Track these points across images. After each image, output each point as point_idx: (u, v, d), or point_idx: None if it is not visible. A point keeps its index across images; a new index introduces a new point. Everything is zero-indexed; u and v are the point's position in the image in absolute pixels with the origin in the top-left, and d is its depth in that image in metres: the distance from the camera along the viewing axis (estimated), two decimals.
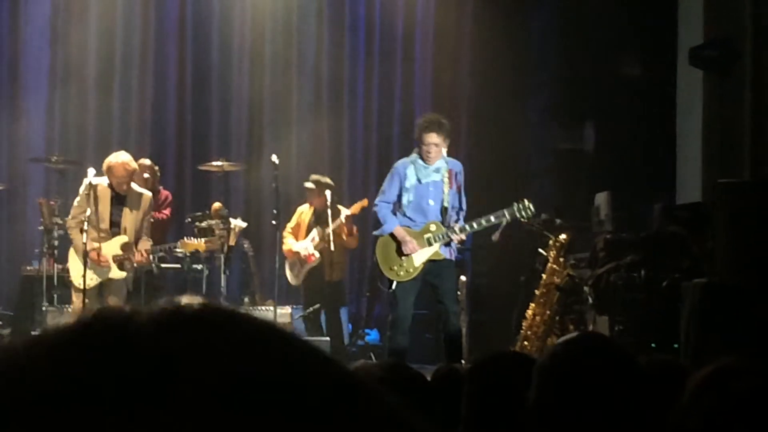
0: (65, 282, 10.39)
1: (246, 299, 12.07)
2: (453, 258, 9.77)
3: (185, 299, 0.69)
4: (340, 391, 0.68)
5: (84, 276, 9.88)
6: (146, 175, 11.12)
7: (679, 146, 12.71)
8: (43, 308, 10.61)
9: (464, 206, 9.73)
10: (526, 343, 10.54)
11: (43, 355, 0.66)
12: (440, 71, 13.71)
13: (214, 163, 11.65)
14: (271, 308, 10.91)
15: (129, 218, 10.23)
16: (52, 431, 0.62)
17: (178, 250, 10.64)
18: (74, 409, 0.62)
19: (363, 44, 13.76)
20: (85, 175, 10.29)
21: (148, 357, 0.65)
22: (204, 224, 10.95)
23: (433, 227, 9.56)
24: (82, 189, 10.24)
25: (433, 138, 9.45)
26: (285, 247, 11.67)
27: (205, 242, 10.60)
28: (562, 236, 10.70)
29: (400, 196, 9.63)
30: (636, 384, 2.71)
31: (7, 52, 13.03)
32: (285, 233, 11.69)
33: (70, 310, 10.36)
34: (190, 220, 11.29)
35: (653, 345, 9.14)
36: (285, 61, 13.56)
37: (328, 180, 11.58)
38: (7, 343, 0.69)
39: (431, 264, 9.55)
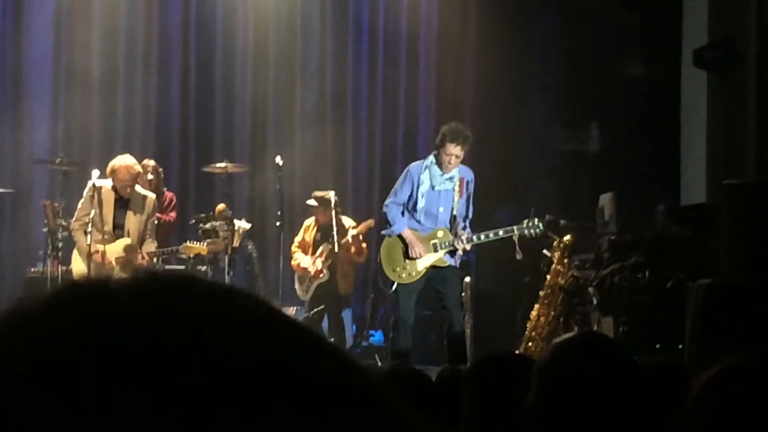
0: None
1: None
2: (457, 264, 9.78)
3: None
4: (328, 365, 0.68)
5: None
6: (150, 177, 11.12)
7: (684, 147, 12.71)
8: None
9: (471, 214, 9.77)
10: (530, 344, 10.53)
11: (17, 325, 0.66)
12: (444, 74, 13.70)
13: (218, 165, 11.65)
14: None
15: (132, 221, 10.24)
16: (26, 400, 0.62)
17: (181, 254, 10.64)
18: (46, 381, 0.62)
19: (367, 47, 13.76)
20: (89, 177, 10.29)
21: (123, 324, 0.64)
22: (208, 226, 10.94)
23: (440, 234, 9.58)
24: (85, 191, 10.25)
25: (456, 150, 9.47)
26: (294, 262, 11.67)
27: (209, 244, 10.60)
28: (567, 237, 10.69)
29: (411, 200, 9.64)
30: (633, 383, 2.70)
31: (10, 55, 13.03)
32: (293, 248, 11.70)
33: None
34: (194, 221, 11.28)
35: (658, 346, 9.13)
36: (288, 64, 13.56)
37: (330, 195, 11.51)
38: None
39: (435, 270, 9.57)
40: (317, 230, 11.61)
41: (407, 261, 9.56)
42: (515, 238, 9.80)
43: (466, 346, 9.88)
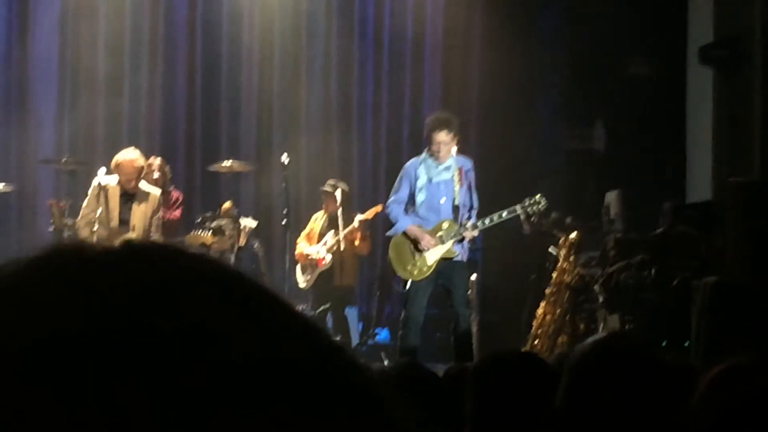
0: None
1: None
2: (465, 259, 9.78)
3: None
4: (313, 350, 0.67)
5: None
6: (156, 175, 11.12)
7: (689, 145, 12.70)
8: None
9: (476, 204, 9.75)
10: (536, 342, 10.54)
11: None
12: (449, 73, 13.70)
13: (224, 164, 11.66)
14: None
15: (138, 216, 10.25)
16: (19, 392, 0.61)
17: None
18: (41, 373, 0.61)
19: (372, 46, 13.76)
20: (95, 176, 10.31)
21: (104, 287, 0.64)
22: (214, 224, 10.96)
23: (445, 225, 9.58)
24: (91, 189, 10.27)
25: (442, 136, 9.46)
26: (297, 251, 11.69)
27: (215, 242, 10.62)
28: (573, 235, 10.71)
29: (411, 196, 9.64)
30: (662, 384, 2.70)
31: (16, 54, 13.05)
32: (299, 239, 11.72)
33: None
34: (200, 220, 11.30)
35: (664, 344, 9.13)
36: (294, 62, 13.57)
37: (344, 185, 11.57)
38: None
39: (444, 264, 9.56)
40: (326, 219, 11.64)
41: (417, 257, 9.56)
42: (522, 216, 9.82)
43: (472, 344, 9.88)
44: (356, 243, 11.47)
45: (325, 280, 11.60)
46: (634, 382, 2.69)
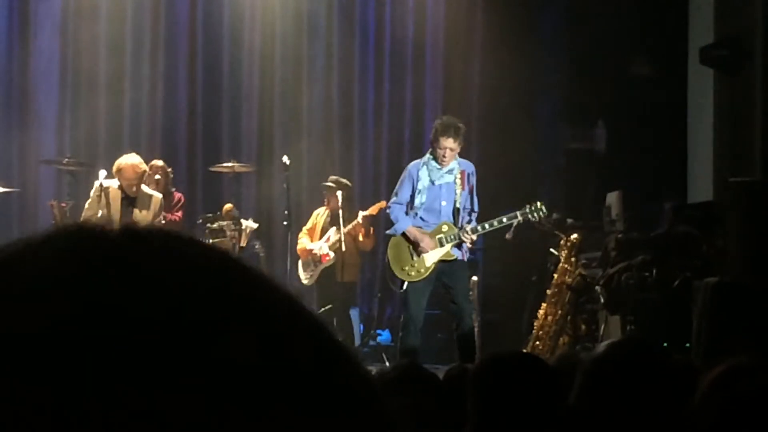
0: None
1: None
2: (465, 259, 9.78)
3: None
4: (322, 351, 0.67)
5: None
6: (157, 177, 11.12)
7: (690, 145, 12.70)
8: None
9: (476, 208, 9.75)
10: (537, 342, 10.54)
11: (16, 259, 0.66)
12: (451, 74, 13.71)
13: (225, 165, 11.67)
14: None
15: (139, 220, 10.25)
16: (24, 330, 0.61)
17: None
18: (43, 318, 0.61)
19: (373, 47, 13.76)
20: (97, 177, 10.31)
21: (120, 267, 0.64)
22: (215, 225, 10.97)
23: (445, 228, 9.58)
24: (93, 191, 10.27)
25: (449, 143, 9.47)
26: (299, 247, 11.68)
27: (216, 244, 10.62)
28: (574, 236, 10.70)
29: (413, 197, 9.64)
30: (674, 387, 2.70)
31: (18, 55, 13.05)
32: (300, 234, 11.71)
33: None
34: (201, 221, 11.30)
35: (665, 344, 9.13)
36: (295, 63, 13.57)
37: (346, 181, 11.58)
38: None
39: (443, 264, 9.56)
40: (328, 215, 11.63)
41: (415, 258, 9.56)
42: (515, 224, 9.80)
43: (475, 343, 9.88)
44: (360, 239, 11.46)
45: (327, 276, 11.60)
46: (648, 385, 2.69)
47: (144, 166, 10.38)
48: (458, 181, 9.61)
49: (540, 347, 10.42)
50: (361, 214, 11.36)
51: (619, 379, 2.70)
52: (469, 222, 9.65)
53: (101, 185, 10.16)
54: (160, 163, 11.33)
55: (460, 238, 9.56)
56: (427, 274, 9.54)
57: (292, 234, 11.48)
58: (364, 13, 13.74)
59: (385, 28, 13.76)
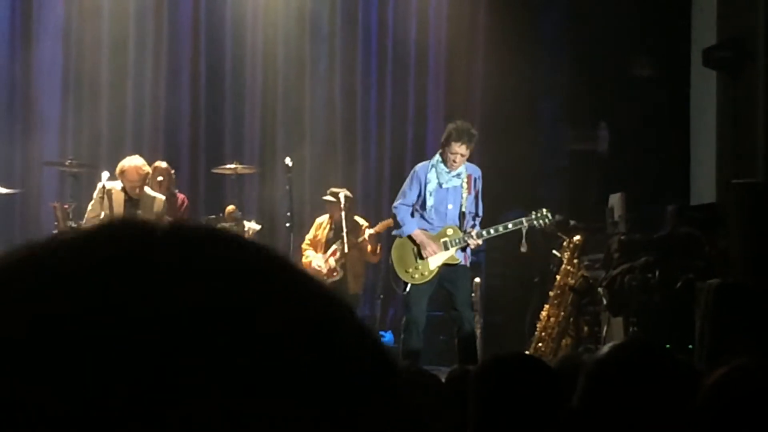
0: None
1: None
2: (468, 263, 9.78)
3: None
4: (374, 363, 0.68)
5: None
6: (160, 178, 11.11)
7: (693, 147, 12.70)
8: None
9: (480, 212, 9.76)
10: (540, 344, 10.54)
11: (68, 257, 0.66)
12: (453, 75, 13.70)
13: (228, 166, 11.66)
14: None
15: None
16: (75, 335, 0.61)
17: None
18: (93, 323, 0.61)
19: (376, 49, 13.76)
20: (99, 179, 10.31)
21: (169, 271, 0.64)
22: (218, 227, 10.95)
23: (450, 231, 9.59)
24: (96, 193, 10.27)
25: (462, 149, 9.46)
26: (305, 260, 11.64)
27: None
28: (576, 237, 10.71)
29: (423, 200, 9.65)
30: (678, 389, 2.70)
31: (20, 57, 13.06)
32: (304, 245, 11.67)
33: None
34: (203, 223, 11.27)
35: (668, 346, 9.12)
36: (298, 65, 13.57)
37: (346, 192, 11.53)
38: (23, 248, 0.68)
39: (447, 268, 9.57)
40: (331, 228, 11.58)
41: (419, 261, 9.56)
42: (524, 231, 9.80)
43: (476, 347, 9.88)
44: (368, 252, 11.42)
45: (335, 289, 11.54)
46: (650, 387, 2.68)
47: (147, 168, 10.38)
48: (465, 185, 9.62)
49: (542, 349, 10.42)
50: (368, 232, 11.32)
51: (622, 381, 2.70)
52: (473, 227, 9.65)
53: (104, 187, 10.16)
54: (163, 164, 11.32)
55: (464, 242, 9.56)
56: (431, 277, 9.54)
57: (295, 235, 11.46)
58: (366, 15, 13.73)
59: (388, 30, 13.75)
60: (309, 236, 11.72)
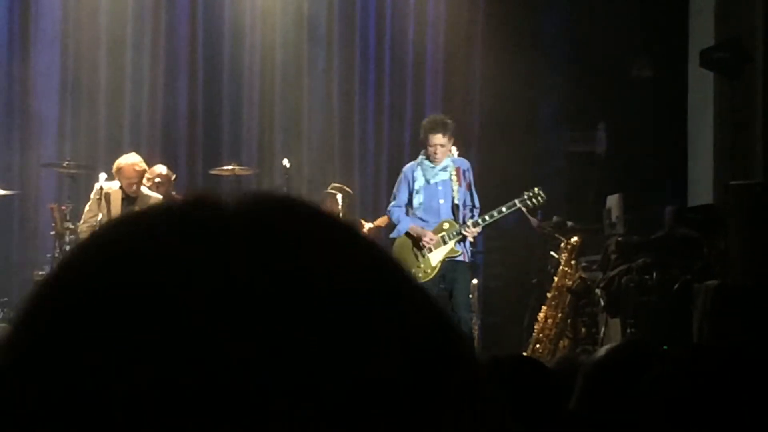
0: None
1: None
2: (468, 260, 9.78)
3: None
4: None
5: None
6: (158, 180, 11.09)
7: (691, 148, 12.70)
8: None
9: (477, 203, 9.76)
10: (537, 345, 10.53)
11: (144, 233, 0.66)
12: (451, 76, 13.70)
13: (226, 167, 11.66)
14: None
15: None
16: (151, 315, 0.61)
17: None
18: (171, 295, 0.62)
19: (374, 49, 13.75)
20: (97, 180, 10.31)
21: (245, 248, 0.64)
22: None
23: (446, 225, 9.60)
24: (93, 194, 10.27)
25: (438, 139, 9.52)
26: None
27: None
28: (574, 239, 10.70)
29: (411, 199, 9.66)
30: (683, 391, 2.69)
31: (18, 57, 13.05)
32: None
33: None
34: None
35: (665, 347, 9.12)
36: (296, 66, 13.56)
37: (346, 188, 11.53)
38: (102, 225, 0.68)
39: (448, 266, 9.56)
40: None
41: (420, 260, 9.57)
42: (524, 210, 9.83)
43: (474, 349, 9.88)
44: None
45: None
46: (653, 387, 2.68)
47: (144, 165, 10.38)
48: (454, 178, 9.63)
49: (540, 350, 10.41)
50: (368, 225, 11.33)
51: (620, 383, 2.69)
52: (471, 217, 9.67)
53: (101, 188, 10.16)
54: (164, 170, 11.25)
55: (462, 233, 9.57)
56: (434, 274, 9.54)
57: None
58: (364, 17, 13.73)
59: (386, 30, 13.75)
60: None
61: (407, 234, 9.64)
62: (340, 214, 11.16)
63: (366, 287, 0.65)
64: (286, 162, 11.41)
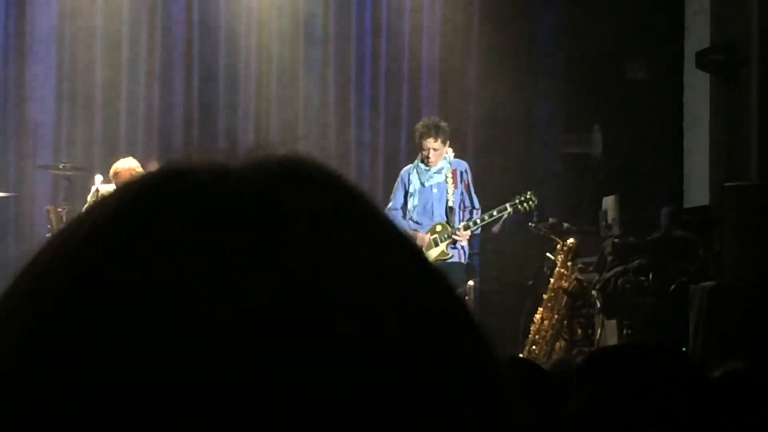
0: None
1: None
2: (463, 261, 9.78)
3: None
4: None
5: None
6: None
7: (687, 150, 12.71)
8: None
9: (477, 204, 9.77)
10: (534, 347, 10.53)
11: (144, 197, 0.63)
12: (447, 78, 13.70)
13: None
14: None
15: None
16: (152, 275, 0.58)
17: None
18: (174, 257, 0.58)
19: (370, 51, 13.76)
20: (93, 183, 10.31)
21: (252, 215, 0.60)
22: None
23: (438, 228, 9.61)
24: (89, 196, 10.27)
25: (430, 143, 9.55)
26: None
27: None
28: (570, 240, 10.70)
29: (406, 202, 9.68)
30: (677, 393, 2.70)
31: (13, 59, 13.04)
32: None
33: None
34: None
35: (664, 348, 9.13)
36: (292, 67, 13.56)
37: None
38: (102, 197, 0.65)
39: (441, 267, 9.55)
40: None
41: None
42: (505, 215, 9.83)
43: None
44: None
45: None
46: (646, 390, 2.69)
47: (141, 170, 10.38)
48: (450, 180, 9.64)
49: (536, 351, 10.41)
50: None
51: (617, 385, 2.70)
52: (470, 219, 9.68)
53: (97, 190, 10.15)
54: None
55: (453, 236, 9.57)
56: None
57: None
58: (360, 19, 13.73)
59: (382, 33, 13.74)
60: None
61: None
62: None
63: (390, 284, 0.61)
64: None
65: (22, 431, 0.57)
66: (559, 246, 10.70)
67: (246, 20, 13.49)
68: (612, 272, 10.14)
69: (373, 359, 0.58)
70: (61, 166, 11.42)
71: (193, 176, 0.64)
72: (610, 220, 11.33)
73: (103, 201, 0.64)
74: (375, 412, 0.57)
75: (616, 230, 11.12)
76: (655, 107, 12.97)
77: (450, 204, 9.63)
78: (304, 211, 0.61)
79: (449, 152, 9.84)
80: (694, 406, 2.52)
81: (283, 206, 0.61)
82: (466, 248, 9.82)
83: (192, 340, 0.56)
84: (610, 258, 10.45)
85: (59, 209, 10.84)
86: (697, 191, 12.01)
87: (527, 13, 13.56)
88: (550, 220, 11.12)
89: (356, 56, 13.71)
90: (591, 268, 10.83)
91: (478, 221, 9.66)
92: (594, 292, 10.25)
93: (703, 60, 11.58)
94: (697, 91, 12.21)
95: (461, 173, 9.72)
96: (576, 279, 10.54)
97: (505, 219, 9.94)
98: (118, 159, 10.60)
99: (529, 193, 9.83)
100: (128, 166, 10.25)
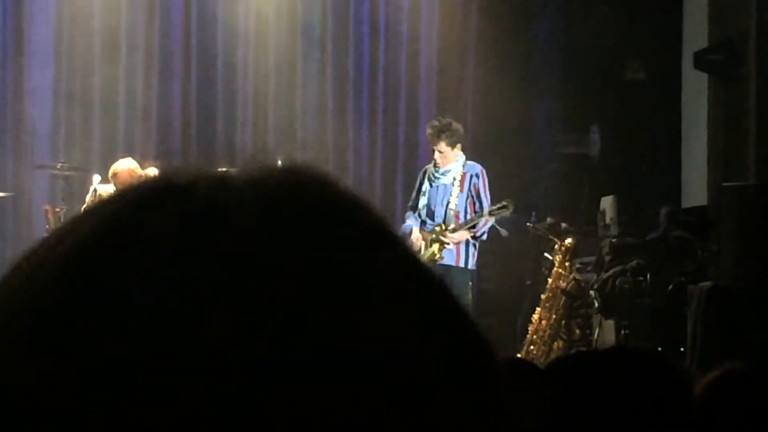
0: None
1: None
2: (467, 266, 9.78)
3: None
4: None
5: None
6: None
7: (684, 150, 12.71)
8: None
9: (486, 208, 9.78)
10: (532, 347, 10.54)
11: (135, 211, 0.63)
12: (445, 78, 13.70)
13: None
14: None
15: None
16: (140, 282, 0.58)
17: None
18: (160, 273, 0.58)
19: (368, 51, 13.75)
20: (91, 183, 10.31)
21: (249, 235, 0.60)
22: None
23: (437, 229, 9.64)
24: (88, 196, 10.26)
25: (436, 145, 9.55)
26: None
27: None
28: (568, 240, 10.71)
29: (419, 200, 9.81)
30: (663, 395, 2.70)
31: (12, 59, 13.04)
32: None
33: None
34: None
35: (659, 349, 9.14)
36: (290, 69, 13.56)
37: None
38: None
39: (438, 269, 9.56)
40: None
41: None
42: (485, 217, 9.82)
43: None
44: None
45: None
46: (643, 392, 2.68)
47: (140, 171, 10.37)
48: (456, 183, 9.65)
49: (534, 351, 10.42)
50: None
51: (615, 386, 2.69)
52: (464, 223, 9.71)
53: (95, 190, 10.15)
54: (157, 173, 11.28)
55: (440, 239, 9.60)
56: None
57: None
58: (357, 20, 13.72)
59: (380, 33, 13.74)
60: None
61: None
62: None
63: (394, 292, 0.61)
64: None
65: None
66: (557, 246, 10.71)
67: (244, 22, 13.49)
68: (610, 272, 10.14)
69: (373, 362, 0.58)
70: (59, 166, 11.41)
71: (193, 192, 0.65)
72: (608, 220, 11.33)
73: (95, 210, 0.65)
74: (375, 414, 0.57)
75: (614, 230, 11.13)
76: (653, 107, 12.97)
77: (451, 207, 9.64)
78: (305, 228, 0.61)
79: (460, 156, 9.83)
80: (660, 414, 2.52)
81: (284, 225, 0.62)
82: (473, 253, 9.80)
83: (189, 356, 0.56)
84: (608, 258, 10.45)
85: (57, 209, 10.83)
86: (695, 191, 12.01)
87: (525, 13, 13.56)
88: (548, 220, 11.13)
89: (354, 58, 13.70)
90: (589, 268, 10.84)
91: (462, 224, 9.69)
92: (592, 292, 10.26)
93: (701, 60, 11.59)
94: (695, 91, 12.21)
95: (471, 177, 9.73)
96: (574, 279, 10.55)
97: (505, 219, 9.93)
98: (116, 159, 10.60)
99: (506, 201, 9.80)
100: (127, 166, 10.24)
